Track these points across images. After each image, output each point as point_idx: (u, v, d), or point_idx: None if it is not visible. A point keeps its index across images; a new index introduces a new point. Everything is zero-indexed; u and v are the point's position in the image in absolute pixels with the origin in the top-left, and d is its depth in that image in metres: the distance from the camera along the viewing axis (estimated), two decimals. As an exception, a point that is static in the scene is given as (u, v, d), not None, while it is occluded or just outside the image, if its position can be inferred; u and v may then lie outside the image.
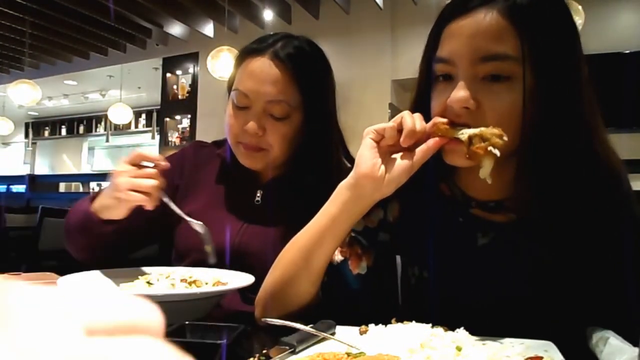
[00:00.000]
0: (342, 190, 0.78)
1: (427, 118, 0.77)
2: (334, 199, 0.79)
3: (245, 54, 1.07)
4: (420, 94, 0.82)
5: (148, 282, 0.88)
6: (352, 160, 1.13)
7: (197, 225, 0.96)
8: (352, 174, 0.76)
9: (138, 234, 1.09)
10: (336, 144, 1.12)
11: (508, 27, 0.70)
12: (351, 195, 0.76)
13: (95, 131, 10.65)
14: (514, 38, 0.70)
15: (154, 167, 0.91)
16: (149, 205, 0.90)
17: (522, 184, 0.76)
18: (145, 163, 0.91)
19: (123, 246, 1.11)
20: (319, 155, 1.08)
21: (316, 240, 0.79)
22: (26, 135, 11.54)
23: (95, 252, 1.06)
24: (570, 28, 0.75)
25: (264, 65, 1.03)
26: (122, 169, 0.90)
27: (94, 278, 0.90)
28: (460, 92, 0.71)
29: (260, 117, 1.03)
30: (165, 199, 0.93)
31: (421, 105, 0.81)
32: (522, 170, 0.76)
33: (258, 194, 1.13)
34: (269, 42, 1.06)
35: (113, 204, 0.93)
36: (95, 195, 1.02)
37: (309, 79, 1.06)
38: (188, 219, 0.97)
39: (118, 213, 0.94)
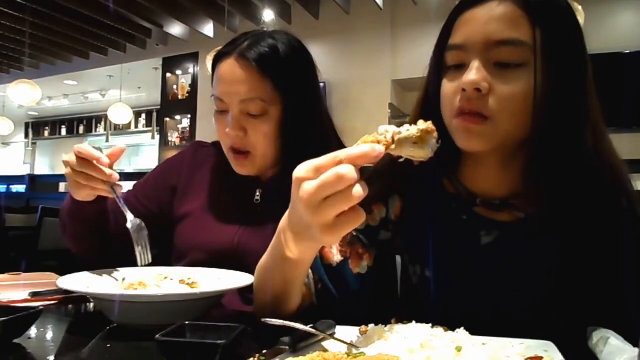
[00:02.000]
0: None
1: (436, 115, 0.77)
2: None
3: (216, 59, 1.09)
4: (429, 91, 0.82)
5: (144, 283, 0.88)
6: None
7: (130, 222, 0.95)
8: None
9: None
10: (328, 134, 1.12)
11: (522, 15, 0.72)
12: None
13: (95, 131, 10.64)
14: (527, 26, 0.72)
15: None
16: (94, 194, 0.97)
17: (531, 177, 0.76)
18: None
19: (116, 241, 1.10)
20: (312, 148, 1.07)
21: (280, 269, 0.72)
22: (26, 135, 11.54)
23: (87, 240, 1.09)
24: (578, 26, 0.77)
25: (230, 67, 1.04)
26: (67, 159, 0.94)
27: (92, 278, 0.90)
28: (473, 73, 0.72)
29: (238, 119, 1.04)
30: (114, 195, 0.94)
31: (430, 102, 0.81)
32: (531, 162, 0.76)
33: (257, 194, 1.13)
34: (236, 44, 1.06)
35: (74, 191, 0.98)
36: None
37: (281, 72, 1.05)
38: (128, 215, 0.96)
39: (84, 196, 0.98)
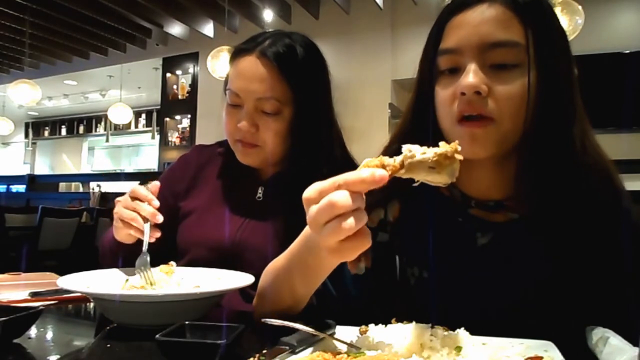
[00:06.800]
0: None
1: (428, 118, 0.77)
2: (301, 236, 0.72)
3: (235, 54, 1.10)
4: (420, 94, 0.82)
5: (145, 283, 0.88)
6: (349, 160, 1.14)
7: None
8: None
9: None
10: (333, 139, 1.12)
11: (513, 17, 0.73)
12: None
13: (95, 131, 10.65)
14: (519, 27, 0.72)
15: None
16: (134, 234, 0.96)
17: (523, 181, 0.77)
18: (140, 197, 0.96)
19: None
20: (316, 150, 1.08)
21: (291, 274, 0.75)
22: (26, 135, 11.54)
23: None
24: (562, 28, 0.78)
25: (251, 64, 1.05)
26: (120, 199, 0.98)
27: (92, 278, 0.90)
28: (471, 76, 0.72)
29: (252, 115, 1.05)
30: (145, 230, 0.95)
31: (422, 106, 0.81)
32: (522, 166, 0.76)
33: (259, 191, 1.14)
34: (257, 41, 1.08)
35: (116, 230, 0.99)
36: None
37: (298, 75, 1.06)
38: (144, 249, 0.95)
39: (124, 237, 0.98)
